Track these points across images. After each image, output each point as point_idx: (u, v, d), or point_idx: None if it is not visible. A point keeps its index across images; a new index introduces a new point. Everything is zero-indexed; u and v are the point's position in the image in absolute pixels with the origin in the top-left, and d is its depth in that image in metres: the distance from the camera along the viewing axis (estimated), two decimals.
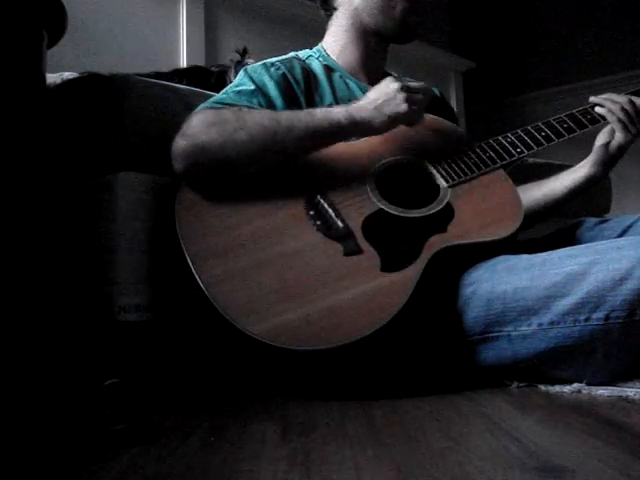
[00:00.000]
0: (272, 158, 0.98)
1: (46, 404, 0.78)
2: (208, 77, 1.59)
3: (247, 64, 1.59)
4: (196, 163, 0.95)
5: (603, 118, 1.09)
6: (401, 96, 0.97)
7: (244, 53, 1.67)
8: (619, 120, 1.07)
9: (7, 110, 0.85)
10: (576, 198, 1.18)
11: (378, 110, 0.97)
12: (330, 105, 1.09)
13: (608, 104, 1.08)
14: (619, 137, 1.08)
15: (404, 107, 0.96)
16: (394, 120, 0.98)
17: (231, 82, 1.55)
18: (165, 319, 1.01)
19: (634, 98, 1.08)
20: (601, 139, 1.11)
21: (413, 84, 1.01)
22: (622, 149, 1.10)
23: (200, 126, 0.96)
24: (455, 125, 1.17)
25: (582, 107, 1.11)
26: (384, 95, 0.98)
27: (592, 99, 1.11)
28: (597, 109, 1.09)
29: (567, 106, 1.15)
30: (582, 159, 1.15)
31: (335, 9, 1.18)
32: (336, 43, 1.18)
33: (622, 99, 1.08)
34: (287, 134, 0.95)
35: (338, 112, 0.97)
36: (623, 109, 1.07)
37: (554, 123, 1.09)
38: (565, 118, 1.10)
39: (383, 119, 0.97)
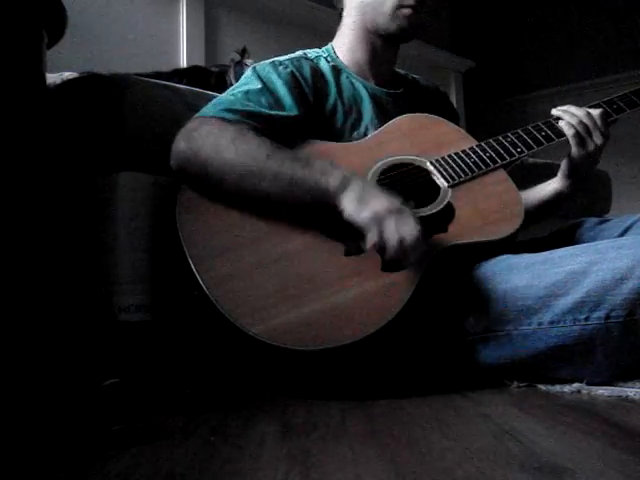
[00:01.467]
0: (250, 190, 0.93)
1: (46, 404, 0.78)
2: (208, 77, 1.59)
3: (246, 64, 1.58)
4: (187, 167, 0.95)
5: (609, 116, 1.09)
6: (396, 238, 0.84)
7: (243, 53, 1.67)
8: (576, 134, 1.05)
9: (7, 110, 0.85)
10: (549, 213, 1.17)
11: (374, 221, 0.85)
12: (335, 104, 1.09)
13: (566, 117, 1.07)
14: (574, 152, 1.06)
15: (387, 236, 0.85)
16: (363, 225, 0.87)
17: (231, 82, 1.55)
18: (165, 319, 1.01)
19: (592, 110, 1.07)
20: (568, 153, 1.10)
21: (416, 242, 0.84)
22: (580, 163, 1.07)
23: (201, 133, 0.95)
24: (456, 125, 1.17)
25: (582, 108, 1.10)
26: (384, 215, 0.85)
27: (554, 112, 1.10)
28: (560, 122, 1.08)
29: None
30: None
31: (341, 9, 1.18)
32: (344, 43, 1.18)
33: (580, 112, 1.06)
34: (269, 171, 0.91)
35: (332, 181, 0.89)
36: (581, 122, 1.05)
37: (554, 122, 1.09)
38: None
39: (363, 212, 0.87)
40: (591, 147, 1.06)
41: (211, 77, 1.59)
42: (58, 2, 0.95)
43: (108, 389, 0.75)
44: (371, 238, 0.85)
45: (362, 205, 0.87)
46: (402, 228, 0.84)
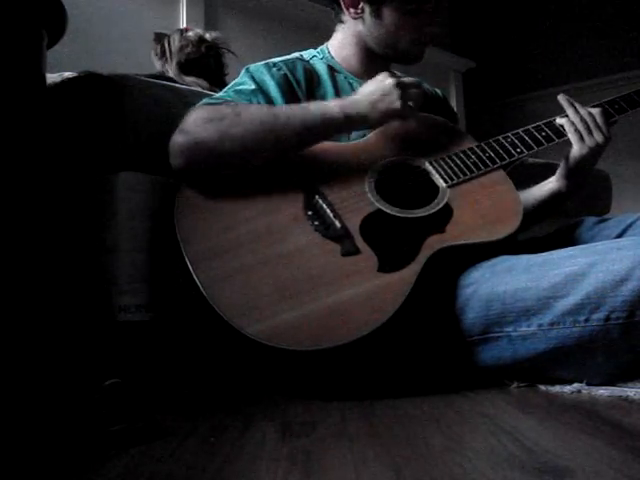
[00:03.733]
0: (268, 153, 0.98)
1: (46, 404, 0.78)
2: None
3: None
4: (194, 159, 0.96)
5: (611, 116, 1.08)
6: (396, 92, 0.99)
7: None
8: (576, 131, 1.05)
9: (7, 110, 0.85)
10: (549, 213, 1.17)
11: (373, 106, 0.99)
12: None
13: (570, 114, 1.06)
14: (575, 150, 1.06)
15: (398, 104, 0.99)
16: (388, 116, 1.00)
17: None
18: (165, 319, 1.01)
19: (593, 110, 1.07)
20: (567, 153, 1.10)
21: (408, 80, 1.02)
22: (579, 163, 1.07)
23: (197, 122, 0.96)
24: (456, 125, 1.17)
25: (584, 107, 1.10)
26: (379, 90, 0.99)
27: (559, 120, 1.09)
28: (557, 120, 1.08)
29: None
30: None
31: (342, 22, 1.18)
32: (341, 49, 1.19)
33: (582, 110, 1.06)
34: (283, 129, 0.96)
35: (333, 107, 0.99)
36: (582, 120, 1.05)
37: (555, 123, 1.09)
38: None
39: (377, 115, 0.99)
40: (592, 146, 1.05)
41: None
42: (58, 2, 0.95)
43: (108, 389, 0.75)
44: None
45: (376, 100, 0.99)
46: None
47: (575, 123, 1.05)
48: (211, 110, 0.98)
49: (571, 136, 1.06)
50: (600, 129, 1.05)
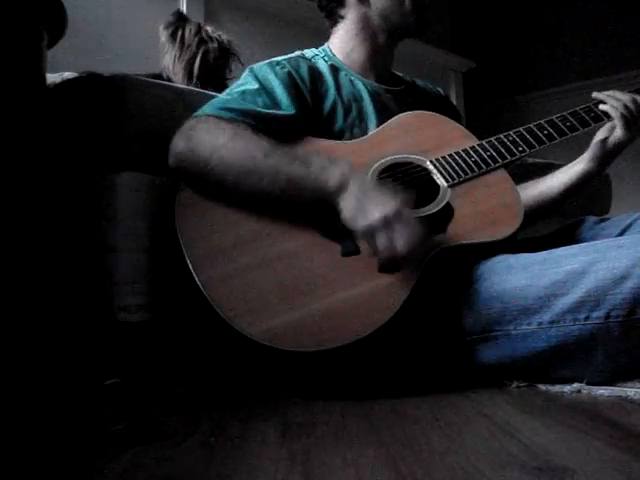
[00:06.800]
0: (248, 188, 0.92)
1: (46, 404, 0.78)
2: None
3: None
4: (185, 165, 0.96)
5: (607, 115, 1.09)
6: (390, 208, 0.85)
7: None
8: (622, 116, 1.07)
9: (7, 110, 0.85)
10: (574, 195, 1.17)
11: (369, 232, 0.86)
12: (334, 103, 1.09)
13: (612, 101, 1.08)
14: (619, 134, 1.08)
15: (377, 218, 0.84)
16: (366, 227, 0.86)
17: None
18: (165, 319, 1.01)
19: (637, 96, 1.09)
20: (600, 135, 1.11)
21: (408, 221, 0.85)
22: (620, 146, 1.10)
23: (199, 131, 0.95)
24: (458, 124, 1.17)
25: (585, 105, 1.11)
26: (379, 199, 0.86)
27: (595, 95, 1.11)
28: (601, 106, 1.09)
29: (567, 106, 1.15)
30: None
31: (342, 18, 1.19)
32: (344, 45, 1.19)
33: (625, 97, 1.08)
34: (267, 170, 0.91)
35: (331, 181, 0.90)
36: (626, 106, 1.07)
37: (557, 121, 1.09)
38: (568, 116, 1.09)
39: (360, 220, 0.86)
40: (635, 129, 1.07)
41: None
42: (58, 2, 0.95)
43: (108, 389, 0.75)
44: (367, 246, 0.88)
45: (359, 213, 0.86)
46: (397, 239, 0.84)
47: (619, 109, 1.07)
48: (215, 123, 0.96)
49: (618, 122, 1.07)
50: None
